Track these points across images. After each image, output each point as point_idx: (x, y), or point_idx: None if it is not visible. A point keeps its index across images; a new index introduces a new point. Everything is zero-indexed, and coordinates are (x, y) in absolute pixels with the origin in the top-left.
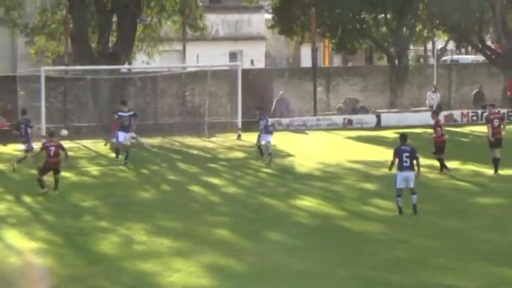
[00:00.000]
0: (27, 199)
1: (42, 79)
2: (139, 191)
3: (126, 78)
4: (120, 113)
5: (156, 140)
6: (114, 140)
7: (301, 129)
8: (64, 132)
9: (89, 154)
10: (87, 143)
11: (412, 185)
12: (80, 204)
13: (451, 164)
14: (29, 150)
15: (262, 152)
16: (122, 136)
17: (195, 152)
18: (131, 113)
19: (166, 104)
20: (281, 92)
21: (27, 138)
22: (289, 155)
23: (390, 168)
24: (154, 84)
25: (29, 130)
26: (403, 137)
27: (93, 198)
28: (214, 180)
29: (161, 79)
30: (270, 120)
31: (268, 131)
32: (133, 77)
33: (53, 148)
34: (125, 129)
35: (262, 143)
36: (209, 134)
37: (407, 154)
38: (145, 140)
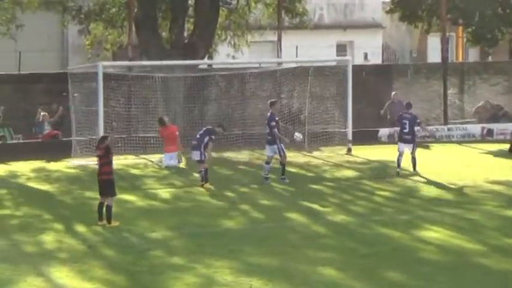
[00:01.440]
0: (81, 228)
1: (100, 77)
2: (223, 218)
3: (206, 76)
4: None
5: (244, 155)
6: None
7: (427, 141)
8: (114, 124)
9: (158, 172)
10: (156, 158)
11: None
12: (148, 235)
13: None
14: None
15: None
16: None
17: (293, 170)
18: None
19: (256, 109)
20: (394, 93)
21: None
22: (412, 174)
23: None
24: (241, 84)
25: None
26: None
27: (164, 228)
28: (317, 206)
29: (250, 78)
30: (387, 130)
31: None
32: (214, 75)
33: (99, 156)
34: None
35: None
36: (310, 147)
37: None
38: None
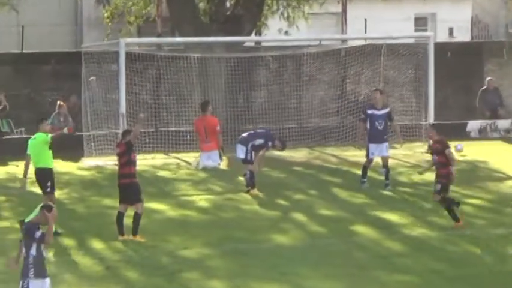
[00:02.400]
0: (96, 245)
1: (122, 57)
2: (273, 232)
3: (253, 56)
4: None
5: (300, 153)
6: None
7: None
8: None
9: (193, 175)
10: (192, 157)
11: None
12: (180, 253)
13: None
14: None
15: None
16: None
17: (360, 172)
18: None
19: (315, 97)
20: (488, 78)
21: None
22: (510, 178)
23: None
24: (297, 65)
25: None
26: None
27: (200, 244)
28: (390, 217)
29: (308, 58)
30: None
31: None
32: (264, 55)
33: (119, 154)
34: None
35: None
36: None
37: None
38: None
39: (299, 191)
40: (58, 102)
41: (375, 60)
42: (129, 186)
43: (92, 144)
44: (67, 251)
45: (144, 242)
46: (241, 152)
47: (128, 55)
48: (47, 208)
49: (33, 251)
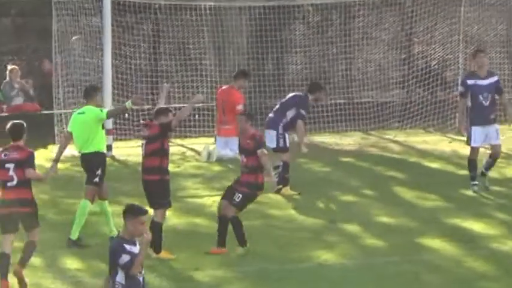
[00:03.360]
0: (73, 264)
1: (107, 8)
2: (314, 247)
3: (287, 6)
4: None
5: (351, 139)
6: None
7: None
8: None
9: (205, 168)
10: (202, 144)
11: None
12: (189, 275)
13: None
14: None
15: None
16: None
17: (434, 164)
18: None
19: (371, 62)
20: None
21: None
22: None
23: None
24: (346, 19)
25: None
26: None
27: (215, 264)
28: (474, 226)
29: (361, 9)
30: None
31: None
32: (301, 4)
33: (147, 138)
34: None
35: None
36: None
37: None
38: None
39: (349, 190)
40: (8, 66)
41: (451, 11)
42: (154, 185)
43: (65, 126)
44: (33, 273)
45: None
46: (270, 139)
47: (115, 5)
48: (132, 211)
49: (120, 278)
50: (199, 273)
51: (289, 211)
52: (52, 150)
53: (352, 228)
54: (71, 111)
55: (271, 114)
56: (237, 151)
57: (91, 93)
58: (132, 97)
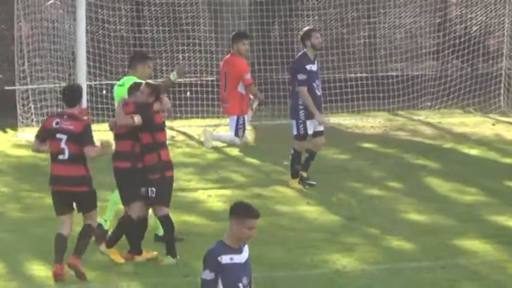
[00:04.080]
0: (39, 271)
1: None
2: (330, 250)
3: None
4: None
5: (374, 121)
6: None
7: None
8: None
9: (200, 156)
10: (194, 125)
11: None
12: (181, 284)
13: None
14: None
15: None
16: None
17: (474, 152)
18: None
19: (399, 28)
20: None
21: None
22: None
23: None
24: None
25: None
26: None
27: None
28: None
29: None
30: None
31: None
32: None
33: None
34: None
35: None
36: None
37: None
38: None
39: (371, 182)
40: None
41: None
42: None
43: (32, 106)
44: None
45: (122, 268)
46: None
47: None
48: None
49: None
50: (190, 282)
51: (300, 207)
52: (13, 135)
53: (375, 227)
54: (36, 87)
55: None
56: (235, 133)
57: (134, 61)
58: (175, 68)
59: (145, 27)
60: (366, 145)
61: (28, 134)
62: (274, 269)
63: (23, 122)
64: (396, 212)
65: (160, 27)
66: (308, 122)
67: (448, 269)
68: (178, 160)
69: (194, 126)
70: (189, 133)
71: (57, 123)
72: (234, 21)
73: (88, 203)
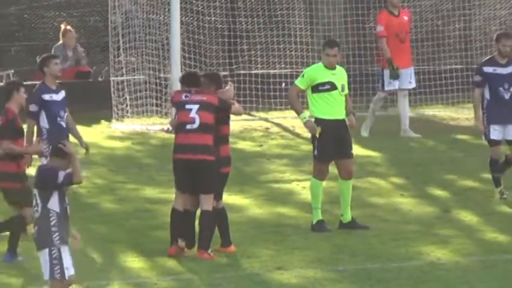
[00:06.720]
0: (135, 263)
1: None
2: (425, 242)
3: None
4: None
5: (469, 112)
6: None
7: None
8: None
9: (294, 148)
10: (290, 117)
11: None
12: (271, 276)
13: None
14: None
15: None
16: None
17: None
18: None
19: (494, 20)
20: None
21: None
22: None
23: None
24: None
25: None
26: None
27: (303, 262)
28: None
29: None
30: None
31: None
32: None
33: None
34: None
35: None
36: None
37: None
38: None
39: (466, 174)
40: (63, 26)
41: None
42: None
43: (127, 97)
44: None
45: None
46: None
47: None
48: None
49: None
50: (284, 274)
51: (395, 199)
52: (107, 126)
53: (470, 219)
54: (131, 77)
55: None
56: None
57: None
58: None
59: (240, 19)
60: (461, 137)
61: (122, 125)
62: (369, 261)
63: (117, 113)
64: (491, 204)
65: (255, 19)
66: (491, 127)
67: None
68: (272, 152)
69: (289, 117)
70: (283, 125)
71: (186, 96)
72: (329, 12)
73: (208, 182)
